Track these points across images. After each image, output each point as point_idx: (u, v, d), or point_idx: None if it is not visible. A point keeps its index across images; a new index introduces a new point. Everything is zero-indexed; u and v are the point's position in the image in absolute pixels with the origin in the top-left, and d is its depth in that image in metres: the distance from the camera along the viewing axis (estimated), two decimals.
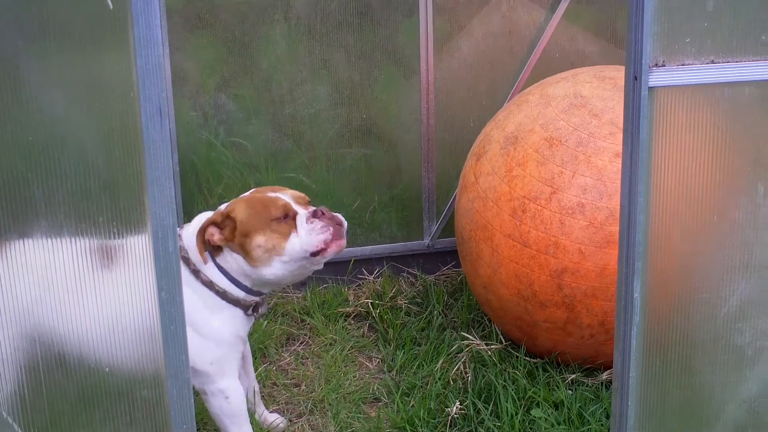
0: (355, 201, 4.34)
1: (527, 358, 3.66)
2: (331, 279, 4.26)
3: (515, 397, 3.45)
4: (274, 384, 3.67)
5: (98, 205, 2.03)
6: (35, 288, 2.11)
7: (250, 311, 3.09)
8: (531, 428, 3.37)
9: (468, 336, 3.79)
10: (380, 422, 3.42)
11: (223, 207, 3.08)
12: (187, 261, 3.01)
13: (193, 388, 3.08)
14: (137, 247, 2.04)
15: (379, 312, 4.04)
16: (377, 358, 3.85)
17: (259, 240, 2.98)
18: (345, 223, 3.06)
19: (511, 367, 3.63)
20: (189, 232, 3.05)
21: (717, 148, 2.23)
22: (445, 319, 4.03)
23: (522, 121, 3.60)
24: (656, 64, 2.10)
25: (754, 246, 2.32)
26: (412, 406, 3.49)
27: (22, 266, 2.07)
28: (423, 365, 3.72)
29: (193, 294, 3.00)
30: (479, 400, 3.47)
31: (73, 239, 2.05)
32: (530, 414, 3.41)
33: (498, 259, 3.52)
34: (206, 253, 3.00)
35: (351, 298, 4.20)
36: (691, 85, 2.15)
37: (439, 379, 3.59)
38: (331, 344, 3.93)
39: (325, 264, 3.12)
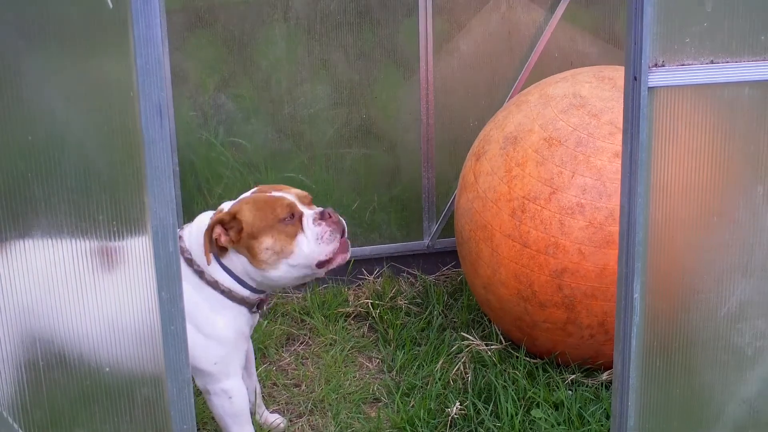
0: (355, 201, 4.34)
1: (527, 359, 3.66)
2: (331, 279, 4.26)
3: (515, 398, 3.45)
4: (274, 384, 3.67)
5: (98, 205, 2.03)
6: (35, 287, 2.11)
7: (254, 308, 3.09)
8: (531, 429, 3.37)
9: (468, 336, 3.79)
10: (380, 422, 3.42)
11: (224, 206, 3.07)
12: (191, 261, 3.00)
13: (195, 388, 3.08)
14: (137, 247, 2.04)
15: (379, 312, 4.04)
16: (377, 358, 3.85)
17: (268, 242, 2.96)
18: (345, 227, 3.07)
19: (511, 368, 3.63)
20: (191, 232, 3.04)
21: (717, 148, 2.23)
22: (445, 319, 4.03)
23: (521, 121, 3.60)
24: (656, 65, 2.11)
25: (754, 246, 2.32)
26: (412, 406, 3.49)
27: (22, 266, 2.07)
28: (423, 365, 3.72)
29: (196, 294, 2.99)
30: (479, 400, 3.47)
31: (73, 239, 2.05)
32: (530, 414, 3.41)
33: (498, 260, 3.52)
34: (211, 254, 2.98)
35: (351, 298, 4.20)
36: (691, 85, 2.15)
37: (439, 379, 3.59)
38: (331, 344, 3.93)
39: None
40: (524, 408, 3.43)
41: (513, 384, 3.52)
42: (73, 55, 1.99)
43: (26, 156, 1.99)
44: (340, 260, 3.05)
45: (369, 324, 4.06)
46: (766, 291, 2.36)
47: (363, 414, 3.51)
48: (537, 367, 3.63)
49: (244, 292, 3.04)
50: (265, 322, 3.99)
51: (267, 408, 3.47)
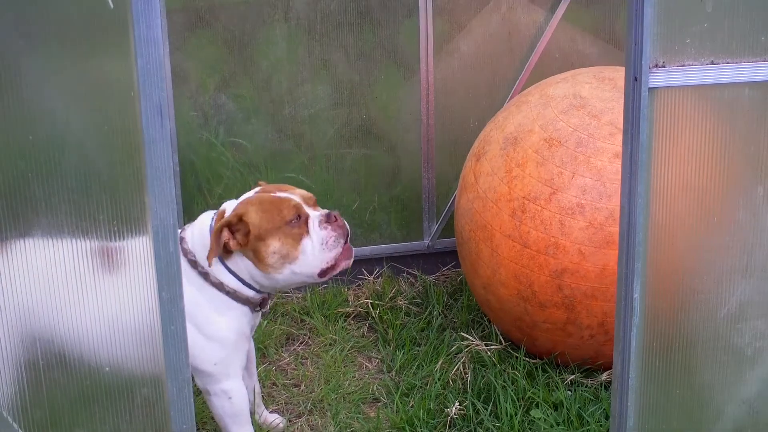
0: (355, 201, 4.34)
1: (527, 359, 3.66)
2: (331, 279, 4.26)
3: (515, 398, 3.45)
4: (274, 384, 3.67)
5: (99, 204, 2.03)
6: (36, 287, 2.11)
7: (257, 307, 3.09)
8: (530, 429, 3.37)
9: (467, 336, 3.79)
10: (380, 422, 3.42)
11: (226, 205, 3.06)
12: (195, 263, 2.99)
13: (195, 388, 3.08)
14: (138, 247, 2.04)
15: (379, 312, 4.05)
16: (377, 358, 3.85)
17: (275, 245, 2.95)
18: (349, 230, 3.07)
19: (510, 368, 3.63)
20: (193, 234, 3.03)
21: (717, 149, 2.23)
22: (444, 319, 4.03)
23: (521, 121, 3.60)
24: (656, 65, 2.11)
25: (754, 247, 2.32)
26: (412, 406, 3.49)
27: (22, 266, 2.07)
28: (422, 366, 3.72)
29: (199, 295, 2.99)
30: (479, 400, 3.47)
31: (73, 239, 2.05)
32: (529, 414, 3.41)
33: (498, 260, 3.53)
34: (215, 258, 2.96)
35: (351, 298, 4.21)
36: (691, 85, 2.15)
37: (439, 379, 3.59)
38: (330, 344, 3.93)
39: None
40: (524, 408, 3.43)
41: (512, 384, 3.52)
42: (73, 56, 1.99)
43: (27, 156, 1.99)
44: (343, 266, 3.05)
45: (369, 324, 4.06)
46: (765, 291, 2.36)
47: (362, 414, 3.51)
48: (536, 368, 3.63)
49: (249, 293, 3.03)
50: (265, 322, 3.99)
51: (266, 408, 3.47)
